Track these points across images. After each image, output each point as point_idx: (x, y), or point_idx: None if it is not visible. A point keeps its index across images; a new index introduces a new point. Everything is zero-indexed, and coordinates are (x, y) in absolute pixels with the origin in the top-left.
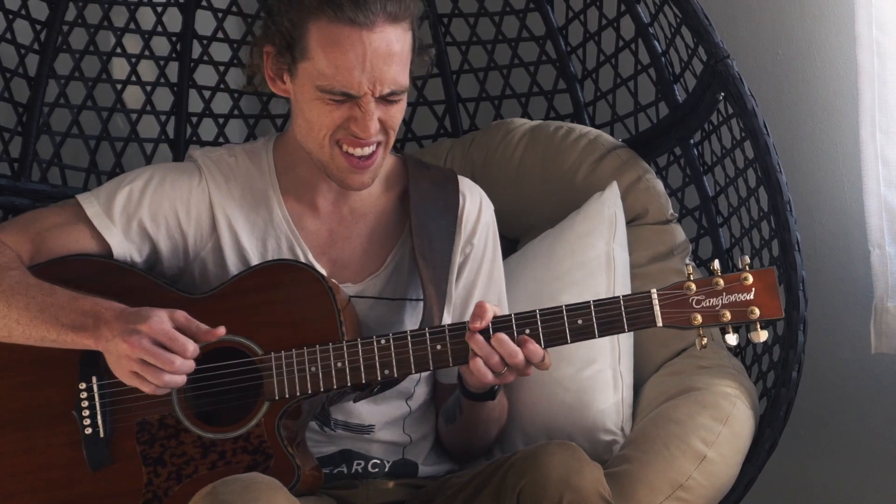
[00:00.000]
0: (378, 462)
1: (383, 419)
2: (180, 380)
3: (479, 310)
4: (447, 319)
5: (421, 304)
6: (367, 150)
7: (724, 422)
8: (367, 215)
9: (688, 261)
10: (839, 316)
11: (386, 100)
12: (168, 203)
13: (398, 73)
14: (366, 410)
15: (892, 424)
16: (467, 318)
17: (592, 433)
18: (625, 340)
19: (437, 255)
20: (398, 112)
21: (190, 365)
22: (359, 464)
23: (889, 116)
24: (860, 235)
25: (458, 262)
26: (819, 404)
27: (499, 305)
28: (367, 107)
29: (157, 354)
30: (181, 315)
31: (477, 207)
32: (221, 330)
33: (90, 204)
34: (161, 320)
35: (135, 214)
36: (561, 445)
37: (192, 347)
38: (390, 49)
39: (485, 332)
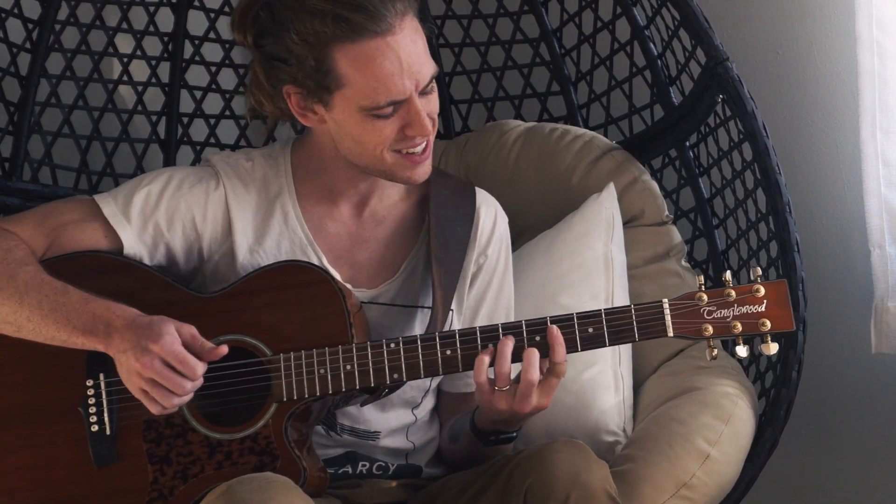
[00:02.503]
0: (382, 465)
1: (389, 426)
2: (187, 399)
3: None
4: (456, 327)
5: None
6: (424, 143)
7: (727, 421)
8: (385, 220)
9: (684, 262)
10: (839, 316)
11: (425, 92)
12: (185, 206)
13: (427, 61)
14: (372, 417)
15: (892, 424)
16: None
17: (595, 435)
18: None
19: (451, 261)
20: (436, 99)
21: (198, 384)
22: (363, 465)
23: (890, 116)
24: (860, 235)
25: (471, 272)
26: (819, 404)
27: (507, 317)
28: (416, 108)
29: (169, 378)
30: (188, 331)
31: (492, 220)
32: (223, 349)
33: (107, 204)
34: (173, 339)
35: (151, 217)
36: (568, 444)
37: (200, 369)
38: (416, 42)
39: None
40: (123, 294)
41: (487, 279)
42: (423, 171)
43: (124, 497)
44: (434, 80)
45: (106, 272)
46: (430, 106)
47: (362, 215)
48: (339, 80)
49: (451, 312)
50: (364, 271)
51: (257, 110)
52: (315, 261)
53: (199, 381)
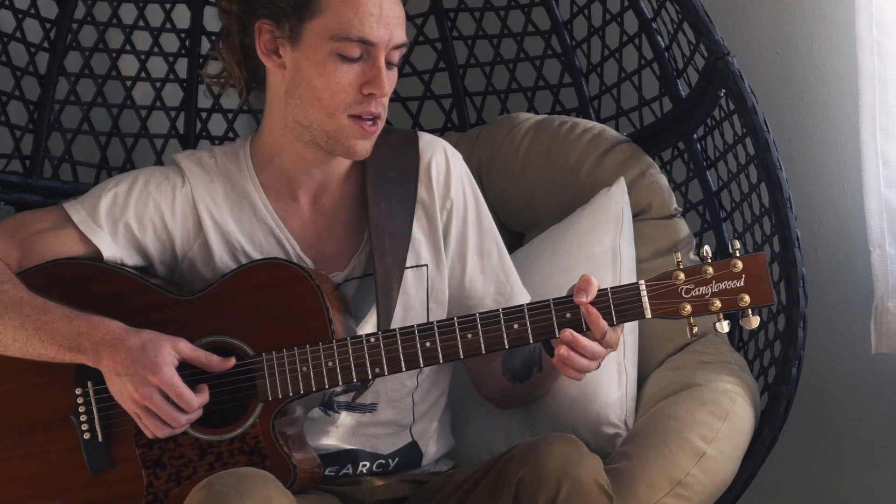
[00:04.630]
0: (383, 462)
1: (386, 396)
2: (181, 431)
3: (583, 283)
4: (444, 282)
5: (415, 269)
6: (377, 114)
7: (724, 418)
8: (343, 202)
9: (692, 255)
10: (839, 316)
11: (389, 61)
12: (153, 205)
13: (403, 30)
14: (370, 388)
15: (893, 424)
16: (468, 273)
17: (597, 426)
18: (629, 335)
19: (397, 222)
20: (395, 79)
21: (195, 417)
22: (364, 465)
23: (890, 116)
24: (860, 235)
25: (441, 222)
26: (819, 404)
27: (497, 252)
28: (379, 63)
29: (165, 412)
30: (185, 347)
31: (444, 161)
32: (232, 360)
33: (75, 210)
34: (171, 372)
35: (120, 218)
36: (561, 437)
37: (196, 403)
38: (398, 5)
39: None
40: (103, 300)
41: (461, 220)
42: (365, 146)
43: (121, 502)
44: (402, 51)
45: (84, 280)
46: (390, 79)
47: (324, 203)
48: (317, 8)
49: (424, 268)
50: (332, 258)
51: (214, 77)
52: (290, 250)
53: (198, 414)
